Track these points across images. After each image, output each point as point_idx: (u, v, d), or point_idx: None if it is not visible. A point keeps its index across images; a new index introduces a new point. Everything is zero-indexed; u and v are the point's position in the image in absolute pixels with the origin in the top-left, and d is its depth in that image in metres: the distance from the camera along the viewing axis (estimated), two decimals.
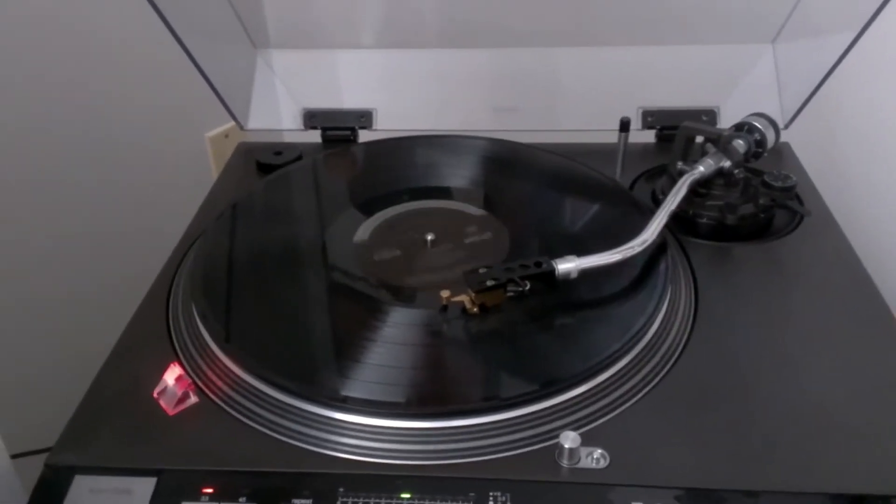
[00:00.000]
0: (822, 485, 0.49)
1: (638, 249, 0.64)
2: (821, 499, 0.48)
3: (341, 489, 0.49)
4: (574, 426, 0.53)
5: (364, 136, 0.93)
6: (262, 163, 0.88)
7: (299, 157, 0.89)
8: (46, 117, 0.95)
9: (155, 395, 0.56)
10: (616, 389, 0.56)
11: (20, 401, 0.92)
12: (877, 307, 0.63)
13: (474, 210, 0.77)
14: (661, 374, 0.57)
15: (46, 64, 0.94)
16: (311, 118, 0.92)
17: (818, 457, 0.51)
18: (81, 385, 0.58)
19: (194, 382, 0.57)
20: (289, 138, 0.95)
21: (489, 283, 0.61)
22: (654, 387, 0.56)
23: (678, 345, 0.60)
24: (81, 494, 0.50)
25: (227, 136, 1.20)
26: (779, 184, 0.72)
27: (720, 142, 0.73)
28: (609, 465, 0.50)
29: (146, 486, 0.50)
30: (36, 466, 0.52)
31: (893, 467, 0.50)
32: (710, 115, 0.89)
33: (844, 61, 0.77)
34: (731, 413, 0.54)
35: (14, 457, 0.60)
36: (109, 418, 0.55)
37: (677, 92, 0.89)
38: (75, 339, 0.95)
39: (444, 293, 0.61)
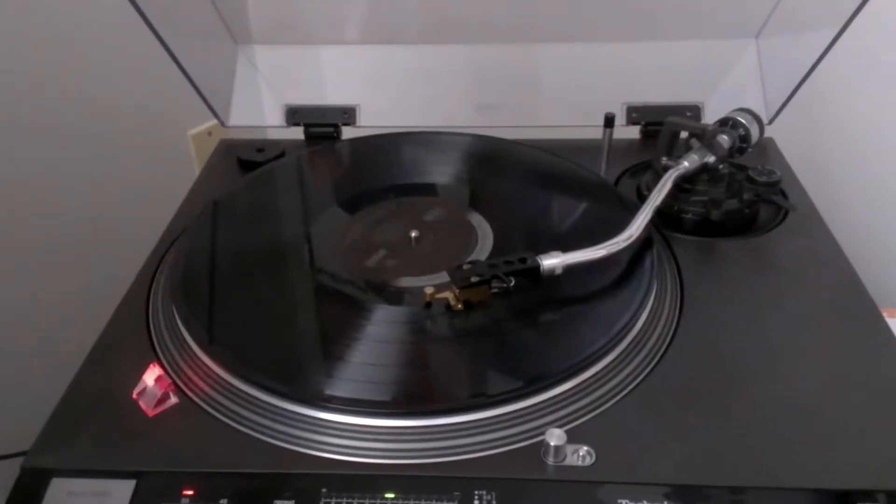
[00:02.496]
0: (808, 480, 0.49)
1: (623, 245, 0.63)
2: (806, 494, 0.48)
3: (324, 489, 0.48)
4: (560, 423, 0.52)
5: (347, 132, 0.92)
6: (244, 160, 0.87)
7: (282, 154, 0.88)
8: (27, 115, 0.94)
9: (134, 395, 0.55)
10: (602, 386, 0.55)
11: None
12: (861, 301, 0.63)
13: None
14: (646, 371, 0.57)
15: (27, 61, 0.92)
16: (294, 115, 0.91)
17: (804, 452, 0.51)
18: (59, 387, 0.57)
19: (174, 383, 0.56)
20: (272, 135, 0.94)
21: (473, 279, 0.60)
22: (639, 383, 0.56)
23: (664, 341, 0.60)
24: (59, 497, 0.49)
25: (210, 133, 1.19)
26: (763, 179, 0.72)
27: (705, 137, 0.73)
28: (595, 462, 0.50)
29: (125, 488, 0.49)
30: (12, 471, 0.51)
31: (878, 462, 0.50)
32: (695, 111, 0.89)
33: (827, 57, 0.77)
34: (717, 409, 0.54)
35: None
36: (88, 420, 0.54)
37: (662, 88, 0.88)
38: (53, 340, 0.93)
39: (429, 290, 0.61)
